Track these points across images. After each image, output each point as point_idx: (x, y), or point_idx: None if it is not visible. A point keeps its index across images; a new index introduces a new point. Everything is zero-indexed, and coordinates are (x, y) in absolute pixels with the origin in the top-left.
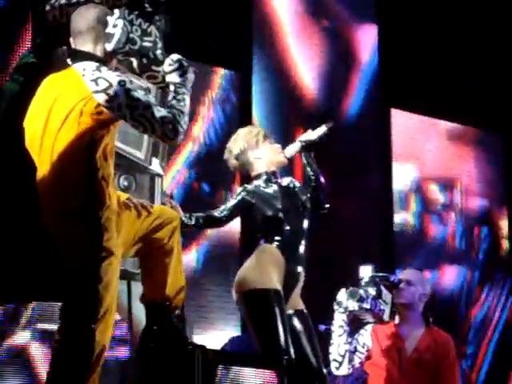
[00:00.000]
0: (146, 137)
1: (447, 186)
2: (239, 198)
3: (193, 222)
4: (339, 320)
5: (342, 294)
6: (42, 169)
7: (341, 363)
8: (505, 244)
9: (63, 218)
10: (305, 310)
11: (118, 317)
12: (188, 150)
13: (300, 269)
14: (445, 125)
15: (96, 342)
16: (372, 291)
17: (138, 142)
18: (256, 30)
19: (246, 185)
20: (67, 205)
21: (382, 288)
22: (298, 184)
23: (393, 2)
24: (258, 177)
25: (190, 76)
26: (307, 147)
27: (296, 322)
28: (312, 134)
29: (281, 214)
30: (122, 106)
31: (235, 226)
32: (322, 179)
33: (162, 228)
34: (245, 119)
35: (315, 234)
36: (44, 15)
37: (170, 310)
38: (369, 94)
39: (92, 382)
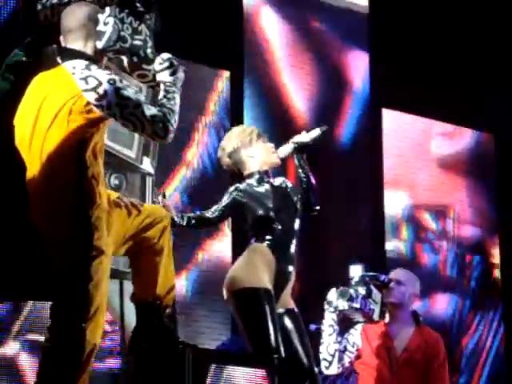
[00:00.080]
0: (136, 136)
1: (439, 214)
2: (231, 197)
3: (184, 223)
4: (329, 319)
5: (332, 294)
6: (32, 168)
7: (331, 362)
8: (496, 272)
9: (53, 217)
10: (295, 309)
11: (109, 328)
12: (181, 175)
13: (291, 268)
14: (436, 153)
15: (86, 341)
16: (362, 291)
17: (129, 141)
18: (247, 56)
19: (237, 184)
20: (57, 205)
21: (372, 287)
22: (290, 184)
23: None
24: (250, 176)
25: (181, 75)
26: (300, 149)
27: (287, 321)
28: (305, 136)
29: (272, 214)
30: (112, 104)
31: (226, 250)
32: (314, 181)
33: (152, 227)
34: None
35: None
36: (36, 14)
37: (161, 309)
38: (361, 120)
39: (82, 381)
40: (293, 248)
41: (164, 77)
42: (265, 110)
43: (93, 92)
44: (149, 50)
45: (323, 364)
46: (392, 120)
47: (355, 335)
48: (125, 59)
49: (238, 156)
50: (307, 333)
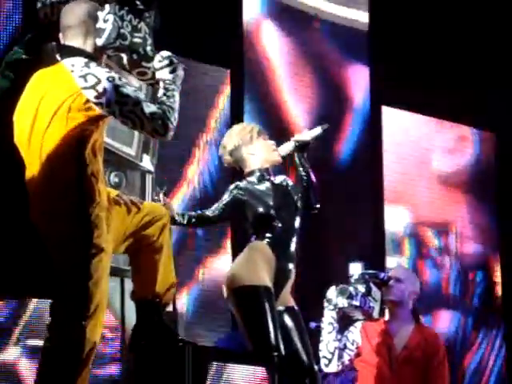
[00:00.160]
0: (136, 133)
1: (442, 230)
2: (231, 196)
3: (185, 221)
4: (329, 317)
5: (331, 291)
6: (31, 166)
7: (330, 360)
8: (499, 290)
9: (53, 215)
10: (295, 307)
11: (110, 335)
12: (182, 193)
13: (291, 266)
14: (437, 170)
15: (86, 339)
16: (361, 288)
17: (129, 139)
18: (248, 70)
19: (238, 182)
20: (57, 203)
21: (372, 285)
22: (291, 183)
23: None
24: (250, 174)
25: (180, 73)
26: (301, 147)
27: (287, 319)
28: (306, 135)
29: (272, 211)
30: (111, 102)
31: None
32: (314, 180)
33: (151, 225)
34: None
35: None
36: (36, 12)
37: (161, 306)
38: (361, 136)
39: (82, 379)
40: (293, 246)
41: (163, 75)
42: (265, 125)
43: (92, 90)
44: (148, 48)
45: (323, 362)
46: (393, 135)
47: (355, 333)
48: (124, 57)
49: (239, 154)
50: (307, 331)
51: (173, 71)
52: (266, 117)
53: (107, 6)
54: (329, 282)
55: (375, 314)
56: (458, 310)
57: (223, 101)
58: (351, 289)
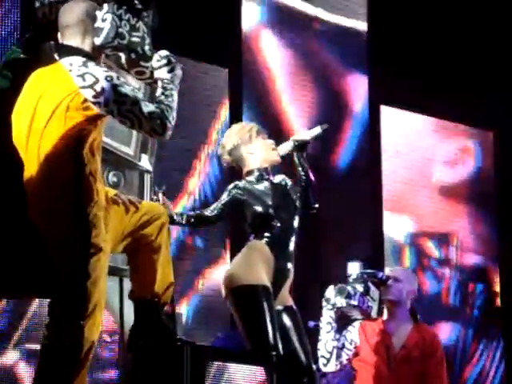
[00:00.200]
0: (134, 133)
1: (442, 241)
2: (230, 195)
3: (184, 221)
4: (327, 317)
5: (330, 291)
6: (29, 166)
7: (328, 360)
8: (499, 301)
9: (52, 215)
10: (294, 307)
11: (108, 339)
12: (182, 205)
13: (289, 265)
14: (438, 181)
15: (85, 339)
16: (360, 288)
17: (127, 138)
18: (247, 79)
19: (237, 182)
20: (55, 204)
21: (370, 285)
22: (290, 182)
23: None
24: (249, 173)
25: (178, 72)
26: (300, 147)
27: (285, 319)
28: (306, 134)
29: (271, 211)
30: (110, 101)
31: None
32: (313, 180)
33: (149, 224)
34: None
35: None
36: (34, 12)
37: (159, 306)
38: (360, 144)
39: (80, 378)
40: (292, 245)
41: (162, 74)
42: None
43: (90, 89)
44: (147, 47)
45: (321, 361)
46: (392, 144)
47: (353, 332)
48: (123, 56)
49: (238, 153)
50: (305, 330)
51: (171, 70)
52: (264, 125)
53: (105, 6)
54: (327, 282)
55: (373, 314)
56: (458, 322)
57: (225, 113)
58: (349, 288)
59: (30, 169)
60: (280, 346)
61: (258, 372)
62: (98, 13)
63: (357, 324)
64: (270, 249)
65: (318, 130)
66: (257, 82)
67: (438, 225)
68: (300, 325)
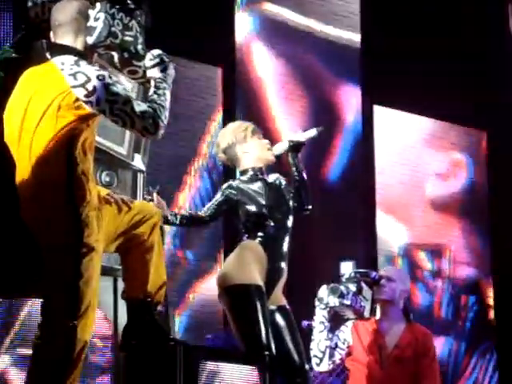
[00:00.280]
0: (127, 132)
1: (435, 253)
2: (223, 195)
3: (177, 221)
4: (320, 316)
5: (323, 290)
6: (21, 167)
7: (321, 359)
8: (492, 314)
9: (43, 215)
10: (287, 306)
11: (101, 343)
12: None
13: (283, 265)
14: (431, 195)
15: (77, 339)
16: (353, 287)
17: (120, 138)
18: (239, 89)
19: (230, 181)
20: (48, 204)
21: (363, 284)
22: (284, 182)
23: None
24: (244, 172)
25: (171, 71)
26: (295, 147)
27: (278, 318)
28: (301, 136)
29: (265, 210)
30: (101, 100)
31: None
32: (307, 180)
33: (142, 224)
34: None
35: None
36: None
37: (152, 306)
38: (352, 156)
39: (73, 378)
40: (285, 245)
41: (154, 73)
42: None
43: (82, 88)
44: (139, 46)
45: (314, 361)
46: (384, 157)
47: (346, 332)
48: (115, 55)
49: (233, 152)
50: (299, 330)
51: (164, 70)
52: None
53: (98, 5)
54: (320, 281)
55: (366, 313)
56: (451, 335)
57: (216, 125)
58: (342, 288)
59: (22, 168)
60: (273, 345)
61: (251, 372)
62: (90, 12)
63: (350, 323)
64: (264, 248)
65: (313, 131)
66: (249, 91)
67: (431, 237)
68: (293, 324)
